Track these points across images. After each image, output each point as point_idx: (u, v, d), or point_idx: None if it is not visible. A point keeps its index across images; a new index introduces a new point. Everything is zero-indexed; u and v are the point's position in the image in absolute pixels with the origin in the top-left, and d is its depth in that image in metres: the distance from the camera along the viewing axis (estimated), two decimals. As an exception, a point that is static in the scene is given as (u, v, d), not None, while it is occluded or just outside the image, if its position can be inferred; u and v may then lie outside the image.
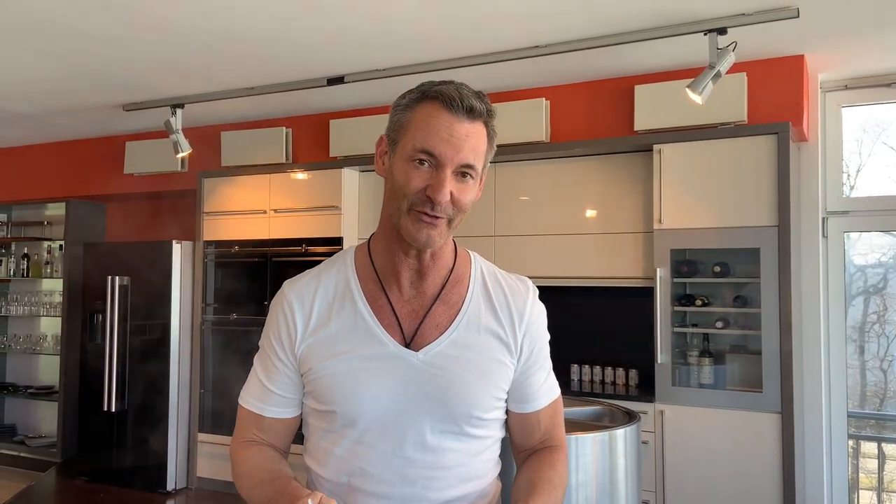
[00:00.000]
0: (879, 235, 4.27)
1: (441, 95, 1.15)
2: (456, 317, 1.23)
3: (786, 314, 3.48)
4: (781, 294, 3.48)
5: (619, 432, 2.34)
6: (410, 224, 1.16)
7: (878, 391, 4.43)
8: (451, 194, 1.14)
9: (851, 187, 4.21)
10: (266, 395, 1.27)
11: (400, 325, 1.22)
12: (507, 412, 1.31)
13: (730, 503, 3.50)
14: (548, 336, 1.32)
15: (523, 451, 1.33)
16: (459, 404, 1.20)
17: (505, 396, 1.27)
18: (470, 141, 1.14)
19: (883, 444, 4.36)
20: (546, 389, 1.31)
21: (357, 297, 1.24)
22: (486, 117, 1.18)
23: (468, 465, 1.23)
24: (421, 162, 1.14)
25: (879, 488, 4.36)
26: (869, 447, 4.41)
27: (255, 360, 1.31)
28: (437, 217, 1.15)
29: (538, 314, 1.30)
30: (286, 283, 1.30)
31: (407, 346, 1.20)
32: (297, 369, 1.25)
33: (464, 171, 1.15)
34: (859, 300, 4.36)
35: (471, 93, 1.17)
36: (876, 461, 4.35)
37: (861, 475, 4.36)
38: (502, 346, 1.24)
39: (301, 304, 1.24)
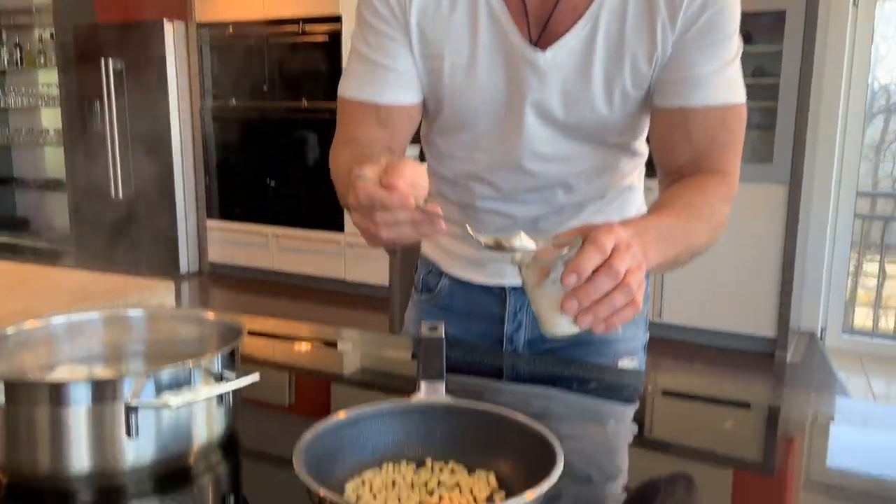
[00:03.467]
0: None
1: None
2: (592, 3, 0.92)
3: (805, 82, 3.31)
4: (804, 61, 3.30)
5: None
6: None
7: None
8: None
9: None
10: (379, 73, 0.99)
11: (527, 13, 0.94)
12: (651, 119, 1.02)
13: (728, 281, 3.55)
14: (737, 36, 0.94)
15: (669, 177, 1.00)
16: (586, 119, 0.98)
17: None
18: None
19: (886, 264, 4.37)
20: (712, 84, 0.93)
21: None
22: None
23: (599, 162, 1.04)
24: None
25: (877, 304, 4.40)
26: (871, 267, 4.43)
27: (354, 40, 1.03)
28: None
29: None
30: None
31: (535, 43, 0.95)
32: (409, 42, 0.98)
33: None
34: (879, 118, 4.23)
35: None
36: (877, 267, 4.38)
37: (860, 292, 4.40)
38: (651, 42, 0.93)
39: None
